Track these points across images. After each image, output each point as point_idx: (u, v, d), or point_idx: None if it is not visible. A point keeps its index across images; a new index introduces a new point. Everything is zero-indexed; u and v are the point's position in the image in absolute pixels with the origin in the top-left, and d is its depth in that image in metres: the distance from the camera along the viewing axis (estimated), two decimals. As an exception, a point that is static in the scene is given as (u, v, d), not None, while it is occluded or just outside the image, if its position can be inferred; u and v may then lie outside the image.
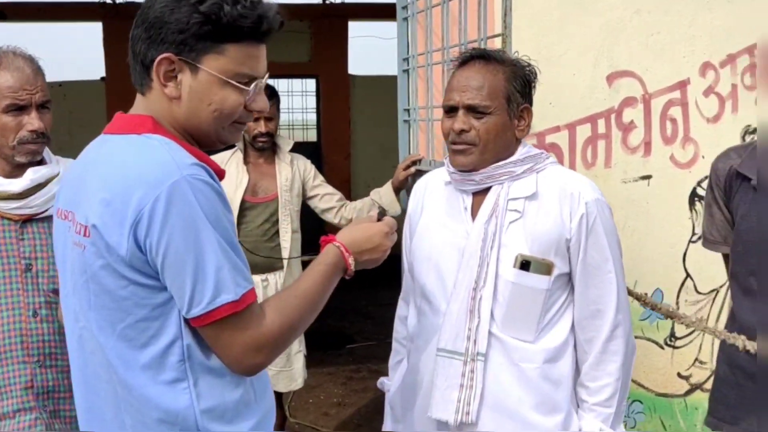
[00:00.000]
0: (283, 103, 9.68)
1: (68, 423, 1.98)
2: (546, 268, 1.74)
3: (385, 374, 5.22)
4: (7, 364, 1.93)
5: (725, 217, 2.13)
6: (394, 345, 2.13)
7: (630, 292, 1.98)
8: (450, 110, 1.85)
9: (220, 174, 1.42)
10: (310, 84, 9.45)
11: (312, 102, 9.46)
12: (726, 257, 2.21)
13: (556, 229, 1.76)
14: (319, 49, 9.13)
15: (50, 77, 8.75)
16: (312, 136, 9.56)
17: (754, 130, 3.28)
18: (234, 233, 1.35)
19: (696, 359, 3.39)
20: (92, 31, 8.60)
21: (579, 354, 1.83)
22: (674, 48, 3.19)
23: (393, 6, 9.63)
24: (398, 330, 2.12)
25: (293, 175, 3.31)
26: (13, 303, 1.92)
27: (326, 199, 3.35)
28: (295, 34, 9.06)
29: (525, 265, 1.74)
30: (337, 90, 9.25)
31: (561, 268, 1.78)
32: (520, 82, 1.82)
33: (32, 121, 1.91)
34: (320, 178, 3.45)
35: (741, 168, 2.06)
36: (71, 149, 8.73)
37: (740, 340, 1.85)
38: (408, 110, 3.17)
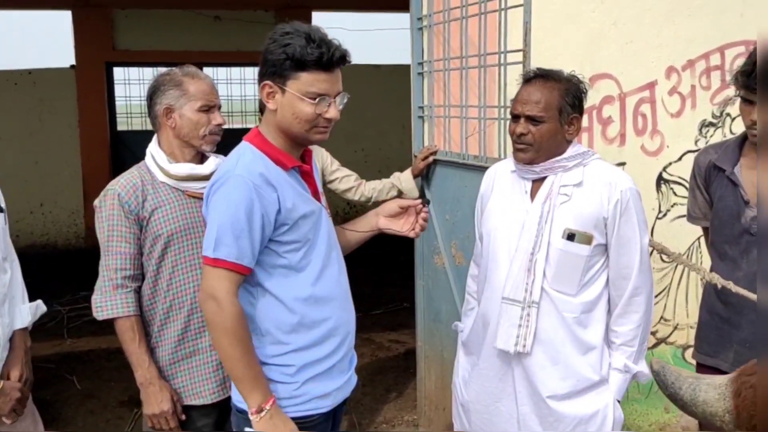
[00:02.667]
0: (250, 90, 10.02)
1: None
2: (587, 239, 2.25)
3: (374, 342, 5.71)
4: (200, 311, 2.29)
5: (705, 199, 2.66)
6: (466, 296, 2.62)
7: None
8: (515, 117, 2.33)
9: (286, 165, 1.98)
10: (276, 72, 9.76)
11: (277, 89, 9.76)
12: (705, 230, 2.75)
13: (596, 209, 2.23)
14: (285, 38, 9.43)
15: (20, 65, 8.93)
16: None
17: (710, 124, 3.88)
18: (254, 224, 1.89)
19: (661, 317, 4.00)
20: (62, 19, 8.74)
21: (611, 306, 2.33)
22: (645, 54, 3.75)
23: (356, -2, 9.80)
24: (470, 285, 2.61)
25: (315, 166, 3.75)
26: (195, 264, 2.35)
27: (345, 180, 3.77)
28: (261, 25, 9.36)
29: (571, 236, 2.25)
30: (302, 77, 9.58)
31: (599, 239, 2.24)
32: (571, 97, 2.29)
33: (217, 118, 2.41)
34: (336, 163, 3.86)
35: (717, 161, 2.58)
36: (41, 135, 9.16)
37: (702, 271, 2.41)
38: (422, 108, 3.65)
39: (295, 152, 2.03)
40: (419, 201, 2.25)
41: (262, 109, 3.82)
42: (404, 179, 3.57)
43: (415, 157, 3.64)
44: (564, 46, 3.62)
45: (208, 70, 10.76)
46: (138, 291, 2.36)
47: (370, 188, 3.63)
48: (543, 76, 2.32)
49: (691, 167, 3.84)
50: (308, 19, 9.54)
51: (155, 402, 2.31)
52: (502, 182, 2.43)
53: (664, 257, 3.83)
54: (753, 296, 2.33)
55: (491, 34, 3.05)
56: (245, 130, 2.18)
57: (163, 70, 2.43)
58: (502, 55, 2.94)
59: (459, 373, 2.51)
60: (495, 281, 2.34)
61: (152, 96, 2.38)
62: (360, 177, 3.76)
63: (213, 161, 2.41)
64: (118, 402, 4.52)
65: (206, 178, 2.36)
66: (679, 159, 3.87)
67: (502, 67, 2.94)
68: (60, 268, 8.03)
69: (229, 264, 1.88)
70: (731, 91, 3.87)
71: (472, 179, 3.18)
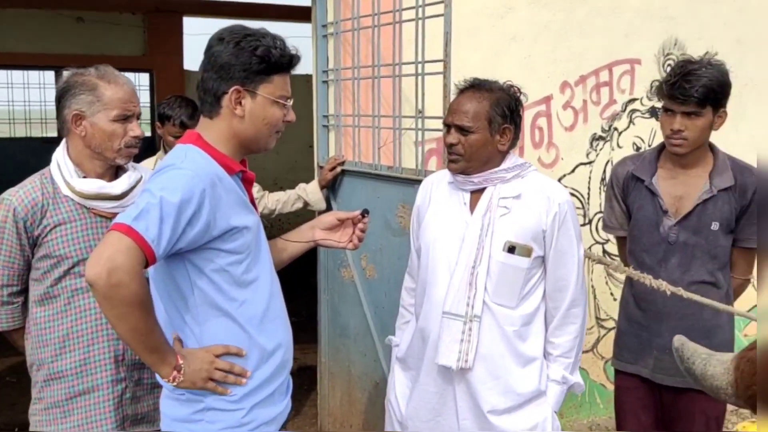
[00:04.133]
0: (114, 96, 9.47)
1: (146, 389, 2.24)
2: (527, 252, 2.23)
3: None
4: (102, 341, 2.16)
5: (622, 210, 2.74)
6: (401, 310, 2.56)
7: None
8: (447, 127, 2.31)
9: (233, 169, 1.84)
10: (144, 78, 9.33)
11: (146, 96, 9.33)
12: (620, 239, 2.85)
13: (535, 222, 2.22)
14: (154, 43, 9.03)
15: None
16: (145, 130, 9.42)
17: (599, 137, 4.05)
18: (182, 218, 1.68)
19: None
20: None
21: (548, 318, 2.33)
22: (541, 69, 3.85)
23: (228, 4, 9.59)
24: (404, 298, 2.55)
25: None
26: None
27: None
28: (128, 28, 8.93)
29: (511, 249, 2.23)
30: (172, 85, 9.14)
31: (537, 251, 2.23)
32: (502, 108, 2.27)
33: (135, 129, 2.16)
34: None
35: (636, 172, 2.67)
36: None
37: (648, 279, 2.49)
38: (327, 116, 3.56)
39: (237, 159, 1.89)
40: (357, 212, 2.16)
41: (161, 119, 3.67)
42: (311, 191, 3.46)
43: (320, 167, 3.54)
44: (466, 60, 3.64)
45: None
46: (24, 303, 2.25)
47: (274, 200, 3.49)
48: (475, 86, 2.32)
49: (581, 179, 4.05)
50: (179, 25, 9.20)
51: None
52: (440, 193, 2.38)
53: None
54: (700, 299, 2.43)
55: (404, 44, 3.02)
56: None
57: (76, 69, 2.20)
58: (419, 65, 2.90)
59: (395, 389, 2.43)
60: (435, 295, 2.28)
61: (61, 98, 2.15)
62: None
63: (126, 179, 2.21)
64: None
65: (117, 198, 2.18)
66: (572, 171, 4.02)
67: (420, 77, 2.91)
68: None
69: (142, 241, 1.63)
70: (618, 106, 4.07)
71: (386, 190, 3.13)
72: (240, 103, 1.81)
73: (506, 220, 2.23)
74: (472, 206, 2.28)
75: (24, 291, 2.22)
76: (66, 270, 2.14)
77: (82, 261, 2.13)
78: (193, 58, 9.28)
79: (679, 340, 1.29)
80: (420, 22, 2.88)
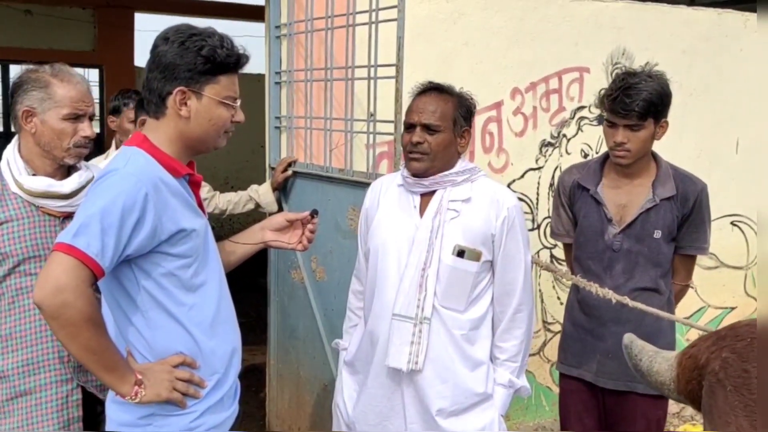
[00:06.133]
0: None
1: (94, 391, 2.19)
2: (476, 256, 2.26)
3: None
4: (47, 341, 2.10)
5: (568, 217, 2.78)
6: (348, 313, 2.55)
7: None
8: (409, 127, 2.31)
9: (179, 172, 1.81)
10: (93, 74, 9.14)
11: (95, 93, 9.15)
12: (567, 246, 2.89)
13: (484, 226, 2.24)
14: (104, 39, 8.85)
15: None
16: (94, 126, 9.25)
17: (548, 144, 4.11)
18: (126, 226, 1.66)
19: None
20: None
21: (495, 323, 2.35)
22: (493, 75, 3.90)
23: (181, 2, 9.46)
24: (352, 301, 2.54)
25: None
26: None
27: None
28: (78, 23, 8.75)
29: (461, 253, 2.25)
30: (122, 81, 8.98)
31: (486, 256, 2.25)
32: (464, 110, 2.32)
33: (86, 129, 2.12)
34: None
35: (581, 181, 2.72)
36: None
37: (594, 287, 2.53)
38: (279, 118, 3.55)
39: (184, 161, 1.87)
40: (307, 213, 2.16)
41: (115, 111, 3.63)
42: (263, 192, 3.44)
43: (272, 169, 3.52)
44: (419, 64, 3.66)
45: (14, 69, 9.91)
46: None
47: (225, 200, 3.46)
48: (437, 88, 2.34)
49: (531, 185, 4.11)
50: (130, 21, 9.05)
51: None
52: (389, 196, 2.39)
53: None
54: (643, 306, 2.47)
55: (357, 47, 3.02)
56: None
57: (31, 65, 2.17)
58: (372, 69, 2.91)
59: (344, 393, 2.43)
60: (385, 297, 2.29)
61: (14, 94, 2.12)
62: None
63: (77, 178, 2.17)
64: None
65: (66, 197, 2.15)
66: (522, 176, 4.07)
67: (372, 81, 2.92)
68: None
69: (85, 257, 1.62)
70: (567, 113, 4.14)
71: (336, 192, 3.13)
72: (185, 103, 1.79)
73: (456, 223, 2.26)
74: (422, 209, 2.30)
75: None
76: (11, 268, 2.10)
77: (27, 259, 2.10)
78: (145, 55, 9.13)
79: (628, 337, 1.33)
80: (373, 26, 2.88)
